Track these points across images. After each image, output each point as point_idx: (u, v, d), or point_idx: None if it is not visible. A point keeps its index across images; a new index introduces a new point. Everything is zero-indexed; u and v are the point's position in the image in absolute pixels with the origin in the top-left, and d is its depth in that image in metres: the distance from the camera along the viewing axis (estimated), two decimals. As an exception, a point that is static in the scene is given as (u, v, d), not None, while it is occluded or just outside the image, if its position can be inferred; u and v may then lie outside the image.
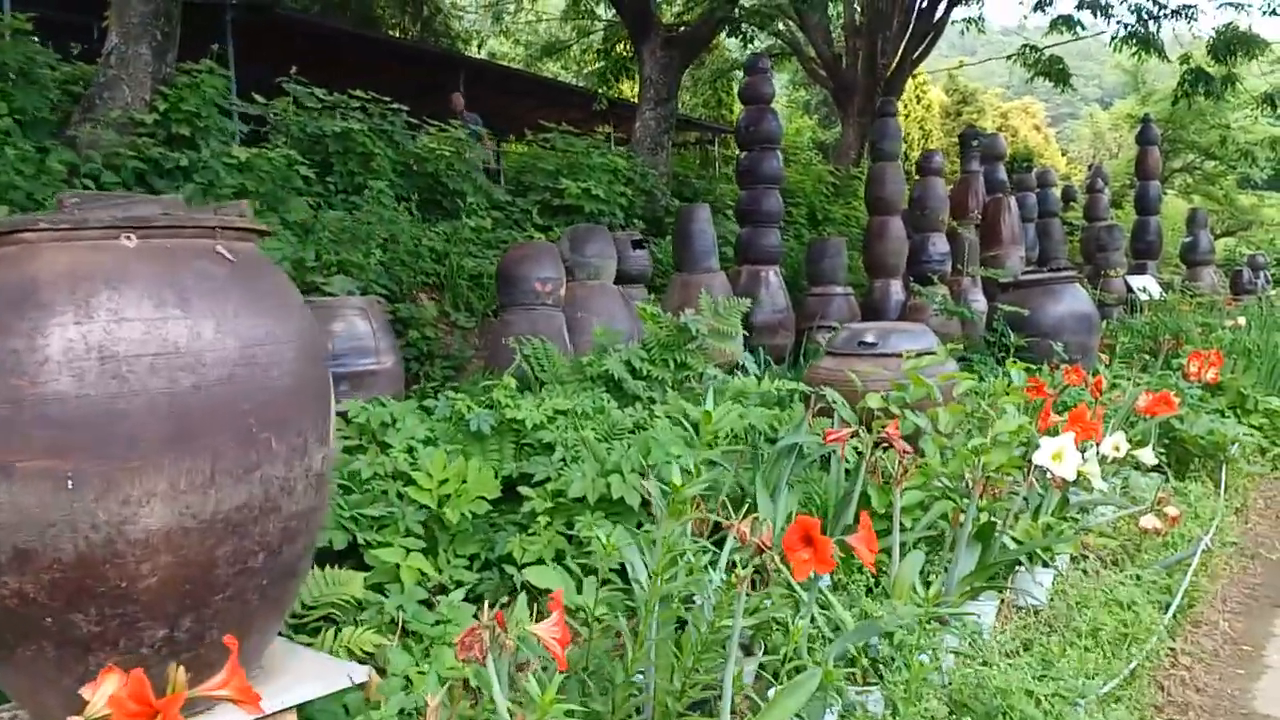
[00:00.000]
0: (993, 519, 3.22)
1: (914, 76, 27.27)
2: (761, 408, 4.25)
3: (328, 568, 2.72)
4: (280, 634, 2.18)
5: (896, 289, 8.16)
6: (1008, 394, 3.60)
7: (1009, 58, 13.65)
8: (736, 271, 7.60)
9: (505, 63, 17.20)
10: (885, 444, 3.17)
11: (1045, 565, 3.50)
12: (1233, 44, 11.00)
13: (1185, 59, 12.14)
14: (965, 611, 2.92)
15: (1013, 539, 3.30)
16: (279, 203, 5.47)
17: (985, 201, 9.82)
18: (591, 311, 5.38)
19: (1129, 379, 6.18)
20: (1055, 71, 13.01)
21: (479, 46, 18.04)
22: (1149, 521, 3.82)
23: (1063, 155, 29.52)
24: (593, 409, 3.74)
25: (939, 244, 7.81)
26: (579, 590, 2.73)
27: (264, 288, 1.93)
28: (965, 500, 3.10)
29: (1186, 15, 12.34)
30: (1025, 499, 3.57)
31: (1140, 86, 21.91)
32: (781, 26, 14.47)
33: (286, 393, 1.87)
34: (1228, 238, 24.92)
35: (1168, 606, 3.46)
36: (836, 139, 16.16)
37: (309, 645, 2.36)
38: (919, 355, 3.86)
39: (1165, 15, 12.43)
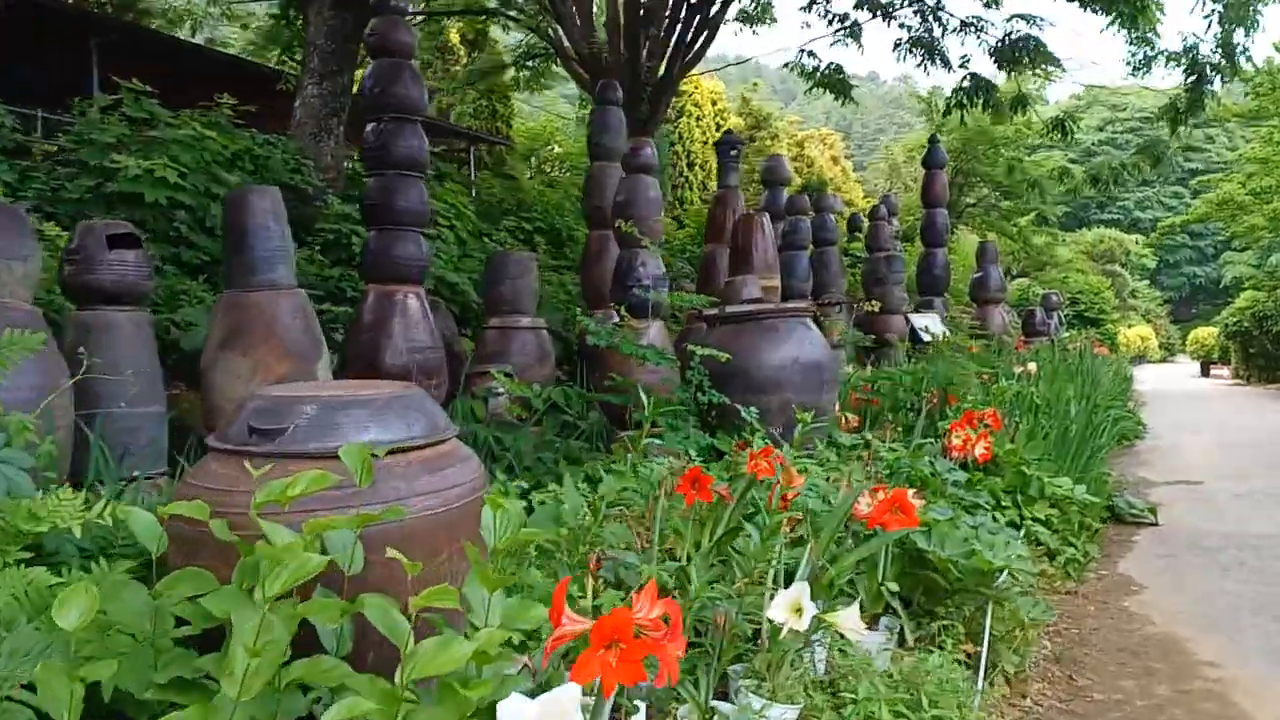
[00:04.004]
0: None
1: (714, 104, 25.99)
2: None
3: None
4: None
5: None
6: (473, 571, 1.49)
7: (787, 65, 12.06)
8: (363, 293, 5.39)
9: (218, 49, 14.37)
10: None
11: None
12: (1018, 49, 9.68)
13: (965, 62, 10.87)
14: None
15: None
16: None
17: (736, 220, 8.03)
18: (-56, 352, 2.99)
19: (870, 455, 4.30)
20: (835, 82, 11.47)
21: (193, 30, 15.03)
22: (817, 817, 1.79)
23: (860, 187, 28.78)
24: None
25: (651, 264, 5.84)
26: None
27: None
28: None
29: (976, 28, 11.15)
30: None
31: (934, 116, 21.15)
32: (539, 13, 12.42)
33: None
34: (1023, 279, 24.56)
35: None
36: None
37: None
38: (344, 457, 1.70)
39: (954, 31, 11.33)
